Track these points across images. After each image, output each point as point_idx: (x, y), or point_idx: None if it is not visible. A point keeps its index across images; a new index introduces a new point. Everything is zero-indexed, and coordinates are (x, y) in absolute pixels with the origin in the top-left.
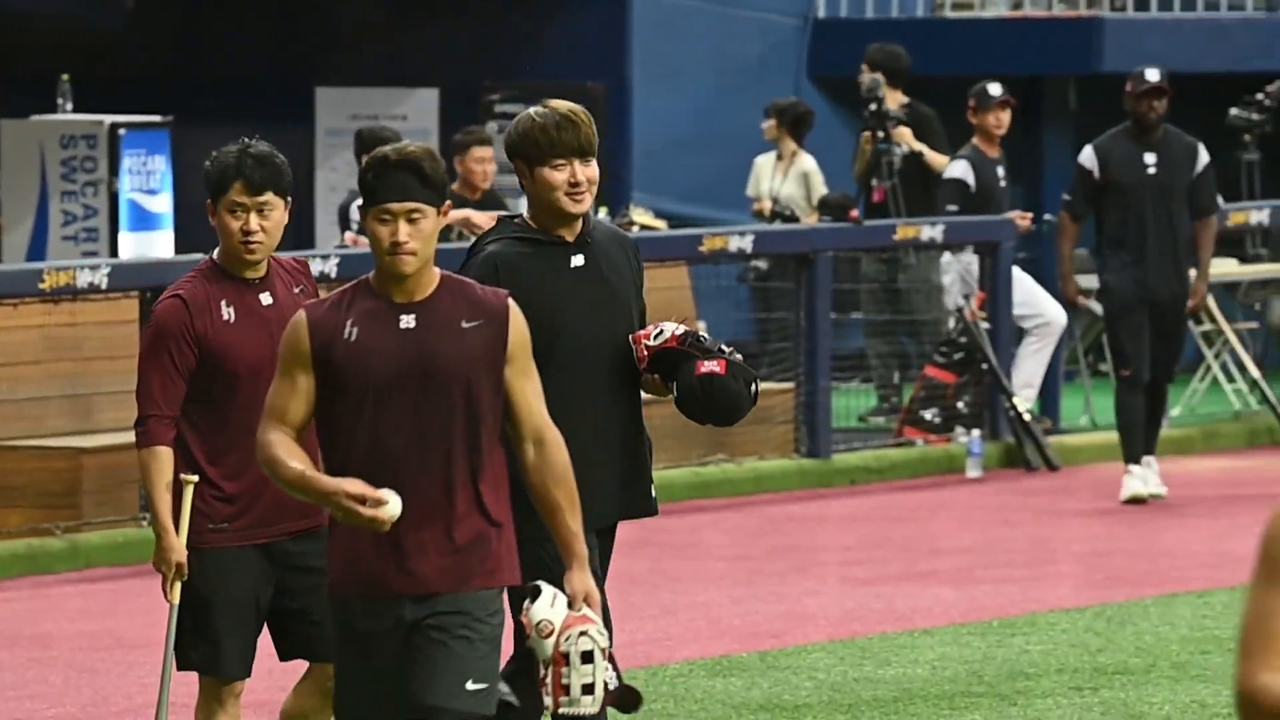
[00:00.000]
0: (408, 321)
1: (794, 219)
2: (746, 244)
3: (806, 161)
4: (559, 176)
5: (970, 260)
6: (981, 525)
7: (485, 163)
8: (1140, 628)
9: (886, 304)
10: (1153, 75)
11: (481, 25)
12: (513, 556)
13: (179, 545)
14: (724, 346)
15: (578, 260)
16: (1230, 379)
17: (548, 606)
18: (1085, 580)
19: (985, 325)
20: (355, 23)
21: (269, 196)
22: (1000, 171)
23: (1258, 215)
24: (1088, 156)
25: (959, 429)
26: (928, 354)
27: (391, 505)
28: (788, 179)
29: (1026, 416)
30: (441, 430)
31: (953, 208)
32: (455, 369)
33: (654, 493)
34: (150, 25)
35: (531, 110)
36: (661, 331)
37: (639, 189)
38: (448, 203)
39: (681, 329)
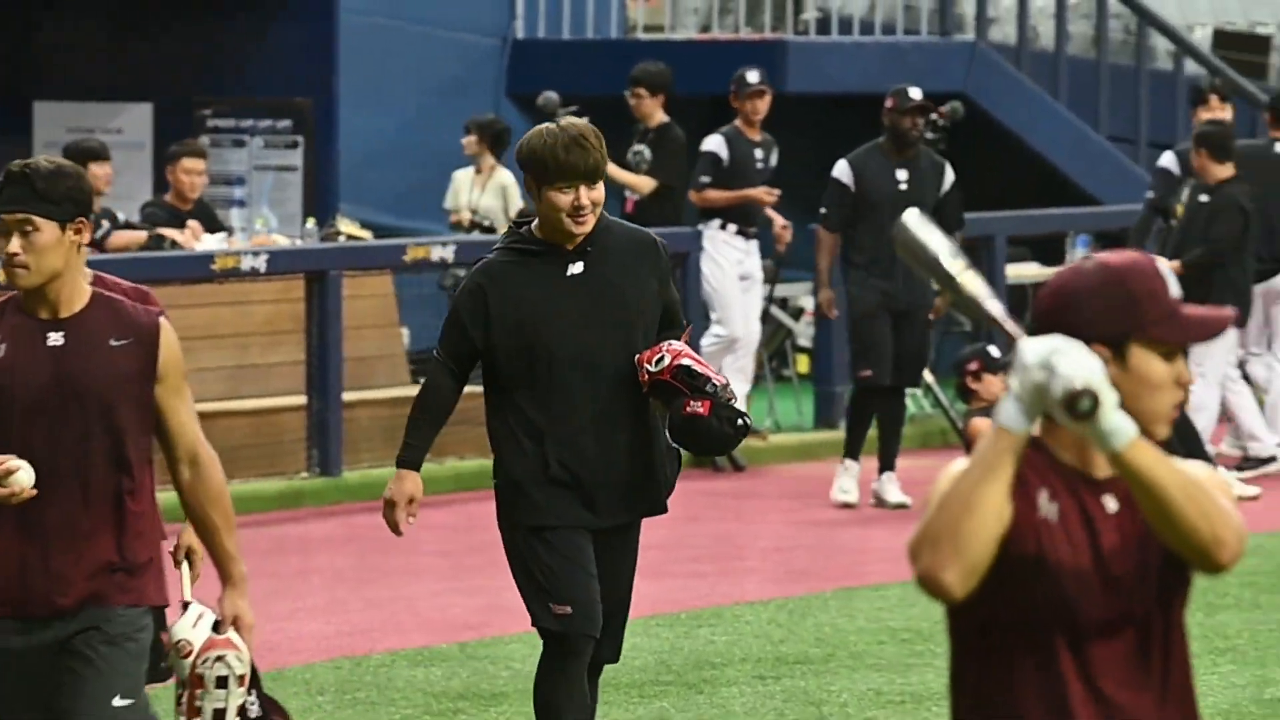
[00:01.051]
0: (56, 339)
1: (492, 230)
2: (449, 253)
3: (504, 175)
4: (564, 199)
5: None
6: (670, 522)
7: (194, 174)
8: (820, 620)
9: None
10: (916, 94)
11: (194, 41)
12: (160, 576)
13: None
14: (715, 381)
15: (575, 268)
16: None
17: (189, 626)
18: (769, 575)
19: None
20: (72, 38)
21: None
22: (759, 154)
23: None
24: (844, 171)
25: None
26: None
27: (22, 474)
28: (486, 192)
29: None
30: (88, 449)
31: (706, 179)
32: (103, 388)
33: (666, 491)
34: None
35: (545, 127)
36: (662, 358)
37: (345, 200)
38: (80, 220)
39: (681, 360)
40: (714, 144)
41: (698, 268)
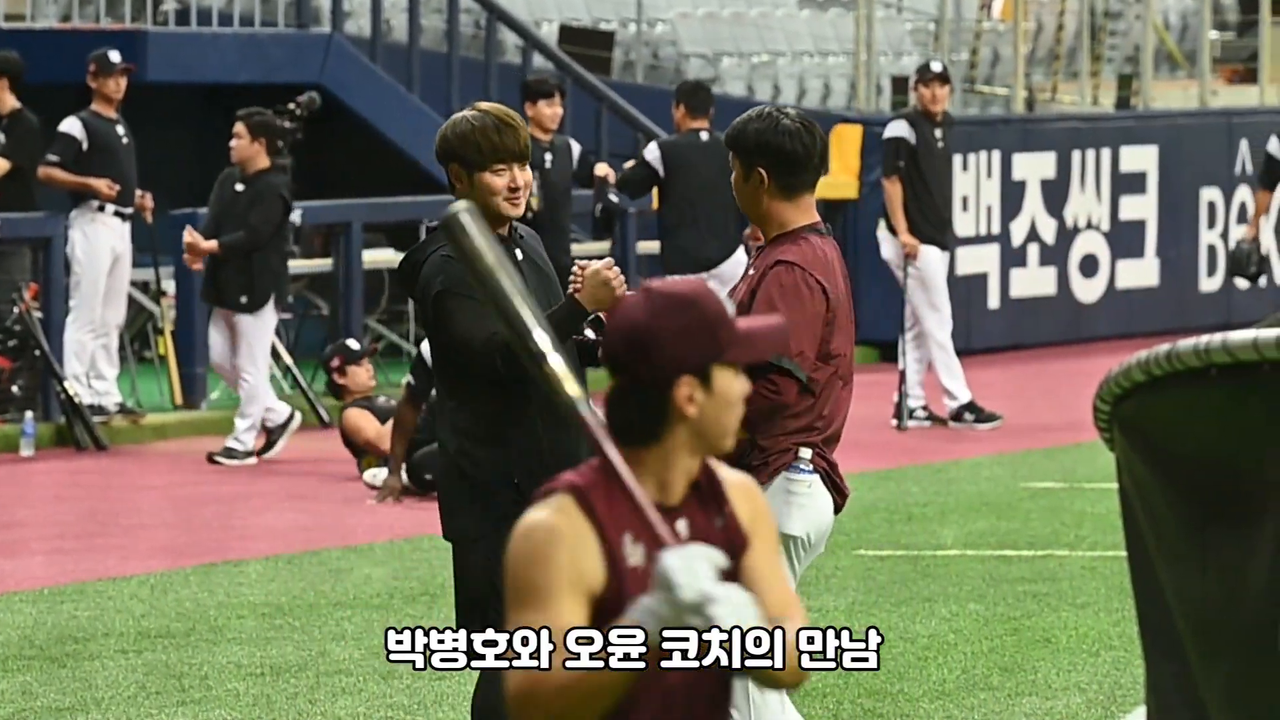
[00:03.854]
0: None
1: None
2: None
3: None
4: (499, 182)
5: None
6: (35, 501)
7: None
8: (182, 594)
9: None
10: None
11: None
12: None
13: None
14: None
15: (518, 254)
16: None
17: None
18: (133, 551)
19: (39, 315)
20: None
21: None
22: (121, 130)
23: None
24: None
25: (13, 411)
26: None
27: None
28: None
29: (76, 399)
30: None
31: (54, 158)
32: None
33: None
34: None
35: (466, 114)
36: None
37: None
38: None
39: None
40: (70, 126)
41: (62, 251)
